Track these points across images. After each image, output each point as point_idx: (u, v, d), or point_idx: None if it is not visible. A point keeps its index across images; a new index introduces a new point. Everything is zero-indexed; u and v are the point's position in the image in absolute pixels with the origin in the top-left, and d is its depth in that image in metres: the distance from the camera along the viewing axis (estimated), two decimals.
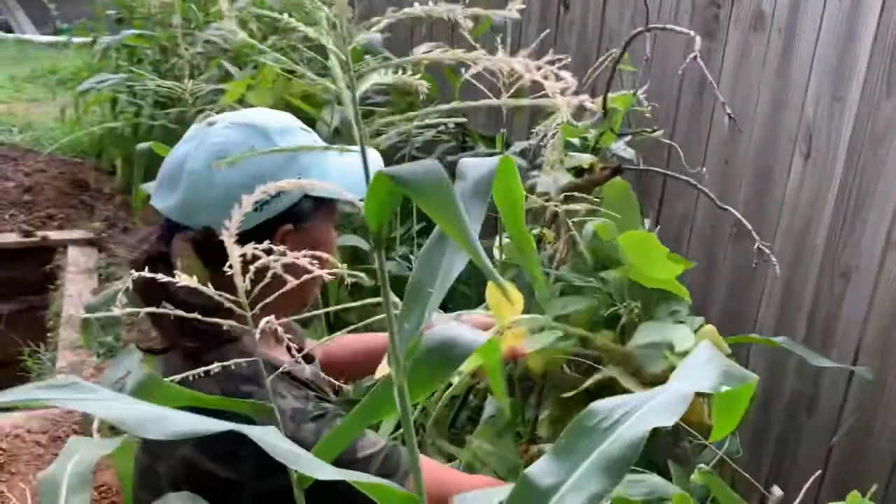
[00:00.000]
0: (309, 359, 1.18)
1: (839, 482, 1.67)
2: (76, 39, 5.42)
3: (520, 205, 0.79)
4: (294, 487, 0.67)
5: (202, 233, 0.95)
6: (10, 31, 9.82)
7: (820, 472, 1.27)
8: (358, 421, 0.66)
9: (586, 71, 2.45)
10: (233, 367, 0.71)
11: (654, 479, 0.87)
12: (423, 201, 0.52)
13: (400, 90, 2.63)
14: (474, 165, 0.65)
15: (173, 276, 0.66)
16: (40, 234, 3.83)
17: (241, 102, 2.33)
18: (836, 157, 1.64)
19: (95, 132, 4.57)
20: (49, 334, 3.14)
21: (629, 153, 1.66)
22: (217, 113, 2.48)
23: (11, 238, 3.81)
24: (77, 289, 3.40)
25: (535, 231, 1.67)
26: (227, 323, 0.65)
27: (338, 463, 0.87)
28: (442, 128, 2.55)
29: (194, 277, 0.65)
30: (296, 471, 0.68)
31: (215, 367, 0.70)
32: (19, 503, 1.98)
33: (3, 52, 8.75)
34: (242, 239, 0.65)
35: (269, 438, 0.54)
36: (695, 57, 1.59)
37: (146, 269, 0.97)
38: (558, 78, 0.50)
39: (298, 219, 0.98)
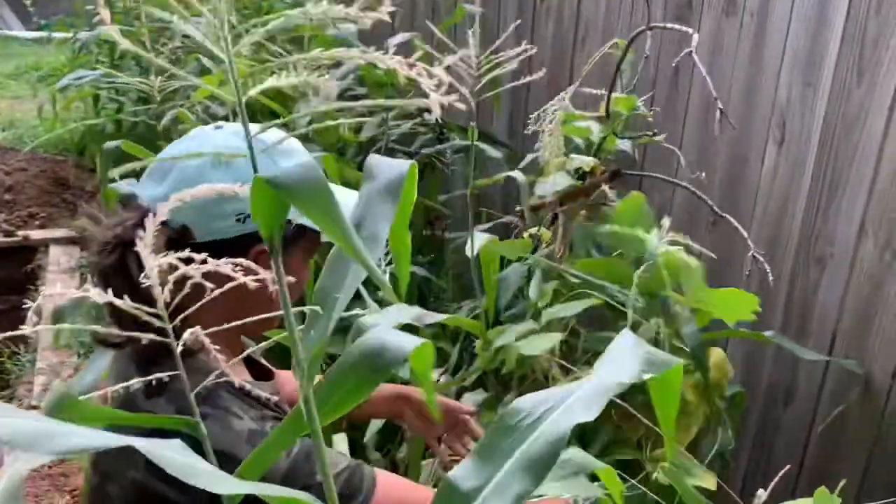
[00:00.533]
0: (268, 378, 1.16)
1: (818, 469, 1.66)
2: (56, 35, 5.37)
3: (409, 209, 0.76)
4: None
5: (178, 231, 0.93)
6: None
7: (790, 466, 1.25)
8: (275, 443, 0.64)
9: (563, 59, 2.43)
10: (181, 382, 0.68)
11: (580, 457, 0.86)
12: (301, 204, 0.50)
13: (378, 82, 2.61)
14: (385, 166, 0.62)
15: (139, 265, 0.62)
16: (21, 233, 3.79)
17: (213, 98, 2.30)
18: (809, 144, 1.62)
19: (77, 129, 4.53)
20: (30, 339, 3.11)
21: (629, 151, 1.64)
22: (188, 109, 2.45)
23: None
24: (59, 288, 3.36)
25: (534, 230, 1.66)
26: (146, 336, 0.62)
27: (295, 485, 0.85)
28: (419, 120, 2.52)
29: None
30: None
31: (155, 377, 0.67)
32: None
33: None
34: (216, 247, 0.63)
35: (167, 452, 0.51)
36: (690, 52, 1.58)
37: (115, 252, 0.94)
38: (431, 75, 0.48)
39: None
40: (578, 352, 1.57)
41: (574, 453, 0.89)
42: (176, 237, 0.92)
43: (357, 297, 2.02)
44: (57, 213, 4.04)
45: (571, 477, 0.85)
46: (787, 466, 1.14)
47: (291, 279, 0.61)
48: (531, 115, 1.59)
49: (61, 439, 0.47)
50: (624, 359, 0.66)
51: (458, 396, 1.82)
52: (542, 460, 0.59)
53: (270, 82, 0.50)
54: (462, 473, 0.61)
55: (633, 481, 1.21)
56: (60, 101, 3.91)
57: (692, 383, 1.42)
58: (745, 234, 1.50)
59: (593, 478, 0.94)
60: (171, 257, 0.60)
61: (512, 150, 2.54)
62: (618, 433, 1.42)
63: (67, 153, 4.70)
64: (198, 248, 0.65)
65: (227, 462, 0.63)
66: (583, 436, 1.39)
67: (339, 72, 2.31)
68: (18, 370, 2.93)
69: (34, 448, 0.46)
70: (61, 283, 3.45)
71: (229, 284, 0.61)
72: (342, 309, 0.57)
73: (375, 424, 1.91)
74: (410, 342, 0.62)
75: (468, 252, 1.54)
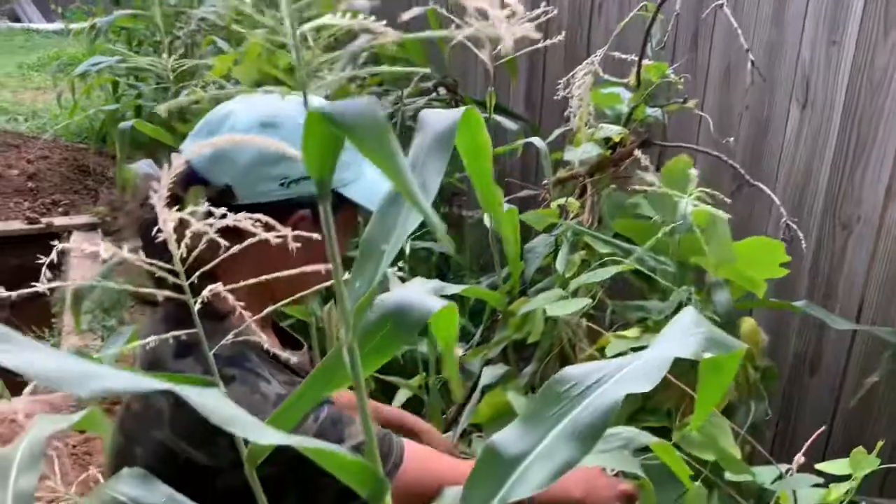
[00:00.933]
0: (298, 347, 1.15)
1: (846, 440, 1.62)
2: (74, 26, 5.41)
3: (485, 156, 0.75)
4: (245, 466, 0.64)
5: (221, 190, 0.92)
6: (17, 20, 9.84)
7: (825, 427, 1.22)
8: (311, 389, 0.62)
9: (580, 27, 2.39)
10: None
11: (628, 432, 0.83)
12: (357, 140, 0.48)
13: (392, 56, 2.57)
14: (435, 118, 0.61)
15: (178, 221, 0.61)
16: (45, 220, 3.82)
17: (228, 78, 2.28)
18: (833, 106, 1.57)
19: (98, 117, 4.56)
20: (54, 320, 3.14)
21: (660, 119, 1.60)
22: (202, 88, 2.44)
23: (16, 225, 3.81)
24: (81, 274, 3.39)
25: (561, 201, 1.63)
26: (161, 293, 0.61)
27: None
28: (434, 95, 2.49)
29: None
30: (247, 449, 0.65)
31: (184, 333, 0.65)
32: None
33: (11, 41, 8.78)
34: (258, 211, 0.61)
35: (208, 401, 0.50)
36: (721, 5, 1.54)
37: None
38: (504, 4, 0.46)
39: (318, 209, 0.93)
40: (606, 322, 1.54)
41: (621, 429, 0.87)
42: (218, 197, 0.91)
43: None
44: (79, 199, 4.07)
45: (617, 450, 0.82)
46: (822, 428, 1.12)
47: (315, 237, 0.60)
48: (559, 81, 1.55)
49: (95, 380, 0.46)
50: (686, 335, 0.64)
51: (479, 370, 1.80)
52: (592, 429, 0.57)
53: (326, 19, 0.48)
54: (506, 439, 0.59)
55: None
56: (80, 89, 3.93)
57: None
58: (778, 201, 1.46)
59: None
60: (185, 212, 0.58)
61: (529, 124, 2.51)
62: (647, 401, 1.39)
63: (88, 141, 4.73)
64: (239, 210, 0.63)
65: None
66: None
67: (353, 46, 2.28)
68: None
69: (68, 386, 0.45)
70: (84, 268, 3.47)
71: (250, 240, 0.59)
72: (389, 262, 0.56)
73: (398, 402, 1.90)
74: (436, 303, 0.62)
75: (487, 223, 1.51)
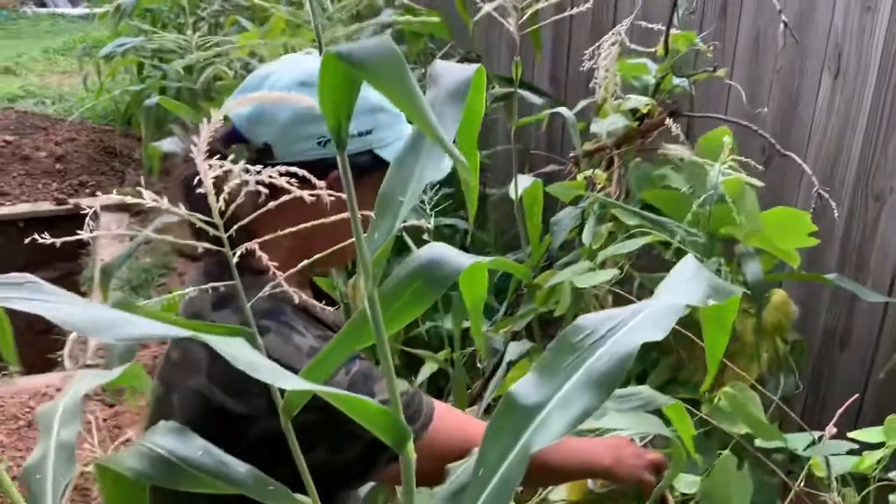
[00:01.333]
0: (332, 304, 1.15)
1: (876, 414, 1.60)
2: (98, 9, 5.44)
3: (478, 119, 0.73)
4: (280, 416, 0.64)
5: (260, 149, 0.92)
6: (43, 5, 9.93)
7: (858, 395, 1.20)
8: (341, 344, 0.62)
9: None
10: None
11: (648, 392, 0.82)
12: (375, 80, 0.47)
13: (415, 33, 2.56)
14: (448, 70, 0.60)
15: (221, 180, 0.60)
16: (73, 201, 3.87)
17: (252, 55, 2.29)
18: (867, 75, 1.54)
19: (124, 100, 4.59)
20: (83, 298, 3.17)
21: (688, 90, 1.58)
22: (228, 67, 2.44)
23: (45, 206, 3.86)
24: (109, 253, 3.42)
25: (588, 173, 1.61)
26: (202, 245, 0.61)
27: None
28: None
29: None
30: (282, 399, 0.65)
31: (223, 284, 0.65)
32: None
33: (37, 26, 8.86)
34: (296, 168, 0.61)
35: (234, 349, 0.50)
36: None
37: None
38: None
39: (358, 170, 0.90)
40: (633, 295, 1.53)
41: (641, 388, 0.86)
42: (257, 156, 0.91)
43: (405, 248, 2.01)
44: (106, 180, 4.11)
45: (638, 411, 0.82)
46: (855, 395, 1.10)
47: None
48: (585, 52, 1.53)
49: (125, 327, 0.46)
50: (690, 284, 0.63)
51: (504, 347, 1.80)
52: (609, 376, 0.56)
53: None
54: (523, 389, 0.59)
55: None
56: (105, 72, 3.96)
57: (753, 324, 1.37)
58: (809, 171, 1.43)
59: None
60: (224, 167, 0.58)
61: (554, 99, 2.48)
62: (675, 373, 1.38)
63: (114, 123, 4.77)
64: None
65: None
66: (640, 375, 1.36)
67: (375, 22, 2.27)
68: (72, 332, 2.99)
69: (100, 333, 0.45)
70: (112, 249, 3.51)
71: (284, 197, 0.59)
72: (406, 214, 0.55)
73: (423, 375, 1.91)
74: (466, 260, 0.61)
75: (511, 194, 1.50)
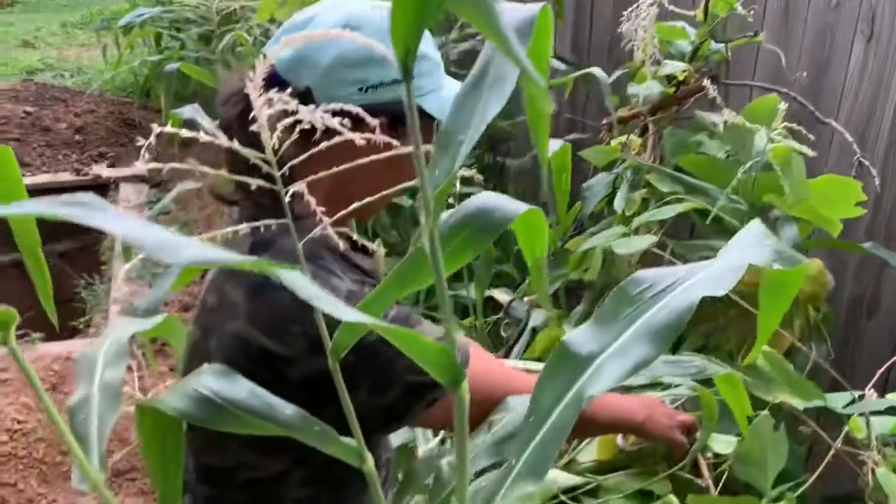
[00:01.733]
0: (370, 254, 1.15)
1: None
2: None
3: (545, 61, 0.73)
4: (329, 357, 0.63)
5: (301, 93, 0.91)
6: None
7: (891, 361, 1.19)
8: (393, 285, 0.61)
9: None
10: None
11: (701, 361, 0.81)
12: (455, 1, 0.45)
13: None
14: (511, 9, 0.59)
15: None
16: (93, 171, 3.88)
17: (272, 21, 2.27)
18: None
19: (142, 72, 4.59)
20: (103, 267, 3.20)
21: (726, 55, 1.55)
22: (247, 33, 2.43)
23: (66, 177, 3.87)
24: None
25: (622, 139, 1.60)
26: (255, 181, 0.60)
27: (391, 347, 0.84)
28: (479, 38, 2.46)
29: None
30: (331, 340, 0.64)
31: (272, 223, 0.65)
32: (66, 421, 2.05)
33: (56, 0, 8.85)
34: (336, 115, 0.60)
35: (296, 280, 0.49)
36: None
37: (239, 104, 0.94)
38: None
39: (395, 119, 0.89)
40: (665, 262, 1.52)
41: (693, 357, 0.86)
42: (298, 100, 0.90)
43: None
44: (125, 152, 4.12)
45: (689, 375, 0.81)
46: (893, 359, 1.09)
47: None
48: (623, 13, 1.50)
49: (188, 250, 0.45)
50: (753, 245, 0.62)
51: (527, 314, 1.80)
52: (668, 328, 0.56)
53: None
54: (579, 338, 0.58)
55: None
56: (123, 44, 3.95)
57: None
58: (850, 139, 1.41)
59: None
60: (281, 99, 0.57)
61: (577, 66, 2.46)
62: (709, 341, 1.37)
63: (133, 95, 4.77)
64: None
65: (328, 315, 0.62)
66: (678, 339, 1.36)
67: None
68: (94, 300, 3.01)
69: (163, 254, 0.45)
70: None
71: (337, 139, 0.58)
72: (466, 153, 0.54)
73: None
74: (521, 206, 0.60)
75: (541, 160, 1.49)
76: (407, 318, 0.90)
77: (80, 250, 3.71)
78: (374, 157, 0.65)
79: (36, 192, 3.86)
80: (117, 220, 0.48)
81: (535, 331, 1.71)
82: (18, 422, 2.20)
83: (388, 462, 1.07)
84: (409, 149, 0.57)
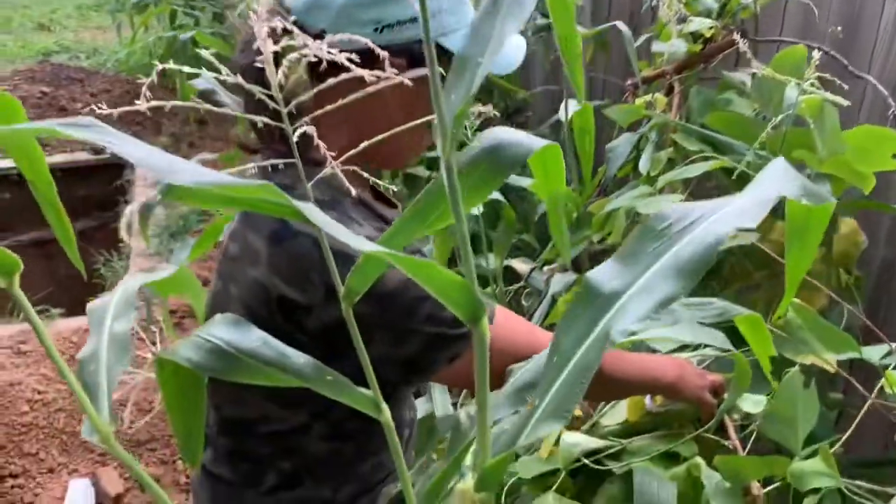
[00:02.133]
0: (392, 205, 1.13)
1: None
2: None
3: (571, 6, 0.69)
4: (342, 302, 0.61)
5: (315, 35, 0.88)
6: None
7: None
8: (410, 221, 0.58)
9: None
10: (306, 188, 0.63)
11: (722, 303, 0.78)
12: None
13: None
14: None
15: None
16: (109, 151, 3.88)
17: None
18: None
19: (157, 52, 4.58)
20: (121, 244, 3.20)
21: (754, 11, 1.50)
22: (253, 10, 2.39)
23: (83, 156, 3.87)
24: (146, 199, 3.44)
25: (647, 97, 1.56)
26: (261, 119, 0.57)
27: (405, 296, 0.81)
28: None
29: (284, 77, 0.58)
30: (343, 287, 0.61)
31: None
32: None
33: None
34: (346, 53, 0.57)
35: (315, 215, 0.47)
36: None
37: (254, 51, 0.91)
38: None
39: (413, 60, 0.88)
40: None
41: (714, 299, 0.82)
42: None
43: None
44: (141, 131, 4.11)
45: (710, 316, 0.78)
46: None
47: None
48: None
49: (196, 174, 0.44)
50: (779, 180, 0.59)
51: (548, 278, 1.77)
52: (697, 262, 0.52)
53: None
54: (602, 276, 0.55)
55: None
56: (138, 23, 3.93)
57: (820, 253, 1.31)
58: (886, 93, 1.36)
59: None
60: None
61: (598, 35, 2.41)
62: (737, 299, 1.33)
63: (149, 76, 4.76)
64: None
65: (344, 262, 0.59)
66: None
67: None
68: (112, 276, 3.02)
69: (176, 175, 0.43)
70: (149, 197, 3.52)
71: (345, 75, 0.55)
72: (483, 76, 0.51)
73: None
74: (537, 141, 0.57)
75: (561, 116, 1.45)
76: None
77: (97, 228, 3.71)
78: (388, 95, 0.62)
79: (54, 171, 3.87)
80: (120, 142, 0.45)
81: (554, 299, 1.68)
82: (39, 392, 2.21)
83: (411, 422, 1.05)
84: (423, 74, 0.54)
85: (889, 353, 0.96)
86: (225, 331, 0.62)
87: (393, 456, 0.61)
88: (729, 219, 0.56)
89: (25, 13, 7.33)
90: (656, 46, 1.50)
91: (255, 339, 0.62)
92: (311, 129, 0.59)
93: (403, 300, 0.84)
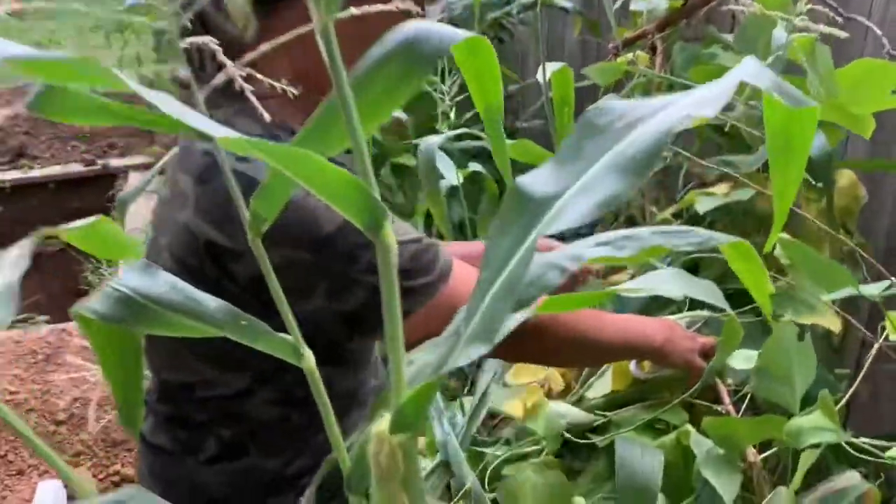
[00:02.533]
0: None
1: None
2: None
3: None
4: (248, 232, 0.53)
5: None
6: None
7: None
8: (314, 132, 0.50)
9: None
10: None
11: (703, 231, 0.69)
12: None
13: None
14: None
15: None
16: (101, 162, 3.84)
17: None
18: None
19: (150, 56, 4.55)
20: None
21: None
22: None
23: (75, 168, 3.84)
24: (138, 211, 3.38)
25: (630, 56, 1.48)
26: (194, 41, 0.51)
27: (345, 244, 0.75)
28: None
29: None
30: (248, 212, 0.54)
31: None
32: (63, 390, 2.01)
33: (69, 3, 8.90)
34: None
35: (205, 124, 0.40)
36: None
37: None
38: None
39: None
40: (679, 184, 1.41)
41: (695, 228, 0.73)
42: None
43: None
44: (135, 141, 4.07)
45: (691, 245, 0.68)
46: None
47: None
48: None
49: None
50: (750, 72, 0.50)
51: None
52: (642, 156, 0.44)
53: None
54: (534, 179, 0.46)
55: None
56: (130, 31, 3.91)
57: (816, 210, 1.22)
58: (879, 32, 1.27)
59: None
60: None
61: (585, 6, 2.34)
62: (724, 274, 1.25)
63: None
64: None
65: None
66: (694, 267, 1.24)
67: None
68: (100, 282, 2.96)
69: None
70: (140, 207, 3.46)
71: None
72: None
73: None
74: (460, 33, 0.48)
75: (539, 78, 1.37)
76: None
77: None
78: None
79: (47, 184, 3.83)
80: None
81: None
82: (10, 392, 2.16)
83: (379, 390, 0.97)
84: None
85: (890, 286, 0.86)
86: (133, 277, 0.55)
87: (321, 409, 0.54)
88: (685, 108, 0.47)
89: (25, 35, 7.35)
90: (635, 4, 1.42)
91: (162, 283, 0.55)
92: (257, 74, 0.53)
93: (342, 246, 0.76)
